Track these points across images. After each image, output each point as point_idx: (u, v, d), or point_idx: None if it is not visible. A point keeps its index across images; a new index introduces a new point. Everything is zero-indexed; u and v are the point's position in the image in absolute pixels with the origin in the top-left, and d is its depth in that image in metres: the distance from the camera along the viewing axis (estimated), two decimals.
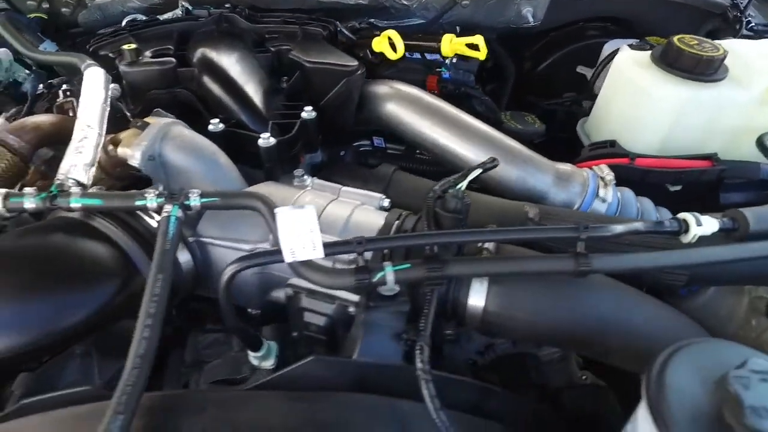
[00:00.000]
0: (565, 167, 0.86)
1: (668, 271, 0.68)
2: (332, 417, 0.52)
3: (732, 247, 0.63)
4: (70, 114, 0.92)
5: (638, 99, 0.92)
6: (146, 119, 0.75)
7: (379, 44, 0.95)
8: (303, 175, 0.80)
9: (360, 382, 0.57)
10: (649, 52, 0.94)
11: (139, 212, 0.67)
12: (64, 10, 1.09)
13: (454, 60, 1.13)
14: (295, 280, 0.64)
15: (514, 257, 0.64)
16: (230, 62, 0.88)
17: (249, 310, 0.80)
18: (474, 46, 0.95)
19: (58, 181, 0.65)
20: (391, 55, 0.95)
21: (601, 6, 1.34)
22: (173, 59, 0.87)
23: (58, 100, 0.92)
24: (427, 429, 0.52)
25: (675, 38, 0.89)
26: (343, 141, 1.04)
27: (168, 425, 0.48)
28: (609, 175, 0.85)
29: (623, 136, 0.95)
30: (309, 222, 0.55)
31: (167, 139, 0.73)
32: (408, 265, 0.57)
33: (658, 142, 0.92)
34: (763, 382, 0.41)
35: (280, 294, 0.72)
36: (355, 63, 0.89)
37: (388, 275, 0.56)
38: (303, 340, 0.67)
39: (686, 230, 0.64)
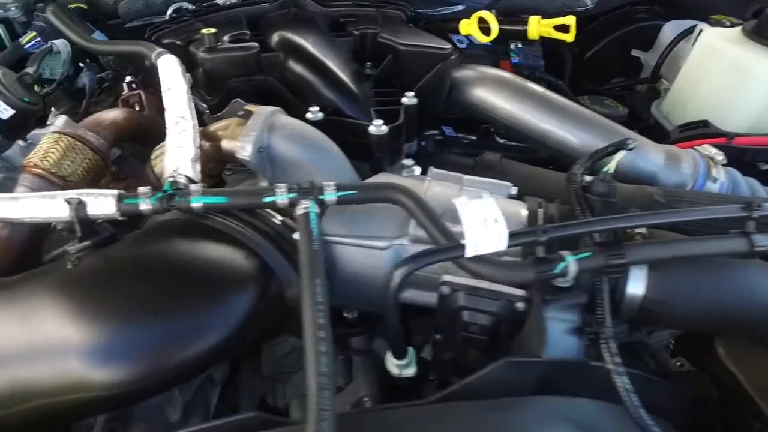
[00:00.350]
0: (673, 148, 0.83)
1: None
2: (532, 424, 0.47)
3: None
4: (137, 108, 0.83)
5: (733, 76, 0.90)
6: (247, 107, 0.67)
7: (468, 27, 0.90)
8: (413, 165, 0.74)
9: (544, 382, 0.52)
10: (739, 27, 0.92)
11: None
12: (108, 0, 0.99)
13: (520, 45, 1.09)
14: (450, 277, 0.58)
15: (685, 240, 0.60)
16: (316, 46, 0.81)
17: (345, 314, 0.74)
18: (563, 28, 0.91)
19: (170, 179, 0.57)
20: (481, 38, 0.90)
21: None
22: (256, 44, 0.79)
23: (123, 93, 0.83)
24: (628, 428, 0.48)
25: None
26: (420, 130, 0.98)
27: None
28: (719, 155, 0.82)
29: (715, 114, 0.93)
30: (493, 212, 0.49)
31: (275, 128, 0.66)
32: (589, 254, 0.52)
33: (753, 120, 0.90)
34: None
35: (411, 294, 0.66)
36: (449, 46, 0.84)
37: (571, 265, 0.51)
38: (448, 342, 0.61)
39: None
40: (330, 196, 0.56)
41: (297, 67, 0.80)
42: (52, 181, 0.66)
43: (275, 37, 0.85)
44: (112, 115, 0.75)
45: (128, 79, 0.85)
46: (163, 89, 0.72)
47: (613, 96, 1.27)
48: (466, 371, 0.64)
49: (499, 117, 0.88)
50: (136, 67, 0.97)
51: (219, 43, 0.79)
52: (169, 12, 1.04)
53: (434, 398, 0.50)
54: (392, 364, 0.62)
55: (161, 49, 0.78)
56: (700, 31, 1.03)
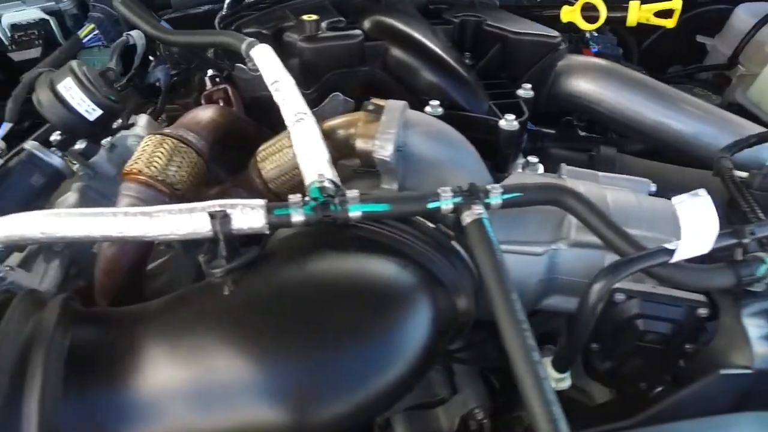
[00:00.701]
0: None
1: None
2: None
3: None
4: (221, 104, 0.76)
5: None
6: (375, 101, 0.61)
7: (571, 14, 0.84)
8: (537, 162, 0.69)
9: (743, 395, 0.48)
10: None
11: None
12: None
13: (595, 33, 1.04)
14: (622, 284, 0.53)
15: None
16: (422, 32, 0.74)
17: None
18: (666, 13, 0.86)
19: (316, 185, 0.51)
20: (585, 26, 0.85)
21: None
22: (360, 32, 0.72)
23: (206, 89, 0.75)
24: None
25: None
26: None
27: None
28: None
29: None
30: (709, 212, 0.44)
31: (411, 125, 0.59)
32: None
33: None
34: None
35: (555, 300, 0.61)
36: (558, 34, 0.78)
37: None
38: (607, 351, 0.57)
39: None
40: (495, 199, 0.51)
41: (402, 56, 0.74)
42: (160, 189, 0.58)
43: (367, 24, 0.78)
44: (210, 113, 0.68)
45: (210, 72, 0.77)
46: (268, 83, 0.65)
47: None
48: (623, 382, 0.60)
49: (603, 108, 0.83)
50: (202, 60, 0.89)
51: (319, 32, 0.72)
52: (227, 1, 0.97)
53: (639, 419, 0.45)
54: (555, 377, 0.57)
55: (252, 39, 0.71)
56: None
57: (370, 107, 0.60)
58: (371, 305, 0.45)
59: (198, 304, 0.45)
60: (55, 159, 0.63)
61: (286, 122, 0.60)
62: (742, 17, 1.15)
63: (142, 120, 0.71)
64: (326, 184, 0.51)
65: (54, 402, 0.37)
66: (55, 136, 0.66)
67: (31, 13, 0.89)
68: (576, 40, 1.06)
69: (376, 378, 0.43)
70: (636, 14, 0.87)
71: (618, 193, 0.62)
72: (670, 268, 0.47)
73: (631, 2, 0.87)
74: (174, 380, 0.40)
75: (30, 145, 0.62)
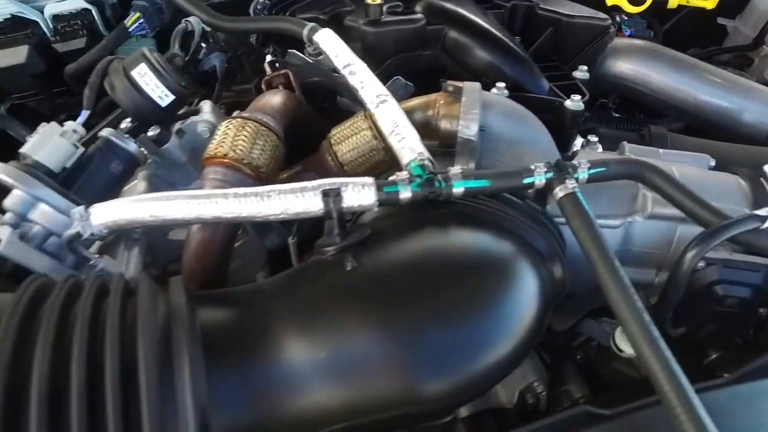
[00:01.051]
0: None
1: None
2: None
3: None
4: (284, 89, 0.76)
5: None
6: (452, 82, 0.62)
7: None
8: (597, 141, 0.71)
9: None
10: None
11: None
12: None
13: (624, 17, 1.07)
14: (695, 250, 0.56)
15: None
16: (478, 15, 0.76)
17: None
18: None
19: (417, 162, 0.52)
20: (629, 8, 0.87)
21: None
22: (422, 16, 0.73)
23: (266, 74, 0.75)
24: None
25: None
26: None
27: None
28: None
29: None
30: None
31: (490, 105, 0.61)
32: None
33: None
34: None
35: (628, 273, 0.63)
36: (608, 17, 0.80)
37: None
38: (683, 317, 0.60)
39: None
40: (583, 174, 0.53)
41: (460, 38, 0.75)
42: (247, 173, 0.59)
43: (418, 8, 0.79)
44: (280, 98, 0.68)
45: (269, 58, 0.77)
46: (340, 66, 0.65)
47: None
48: (694, 348, 0.64)
49: (648, 89, 0.86)
50: (247, 47, 0.89)
51: (381, 13, 0.73)
52: None
53: (737, 375, 0.48)
54: (625, 344, 0.60)
55: (314, 24, 0.71)
56: None
57: (450, 88, 0.62)
58: (486, 277, 0.46)
59: (323, 280, 0.46)
60: (131, 145, 0.63)
61: (367, 104, 0.61)
62: None
63: (207, 106, 0.71)
64: (426, 162, 0.53)
65: (202, 382, 0.38)
66: (126, 123, 0.66)
67: (73, 3, 0.87)
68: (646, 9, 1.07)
69: (492, 348, 0.45)
70: None
71: (683, 167, 0.65)
72: (761, 234, 0.50)
73: None
74: (311, 353, 0.41)
75: (107, 132, 0.62)
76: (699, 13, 1.35)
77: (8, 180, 0.53)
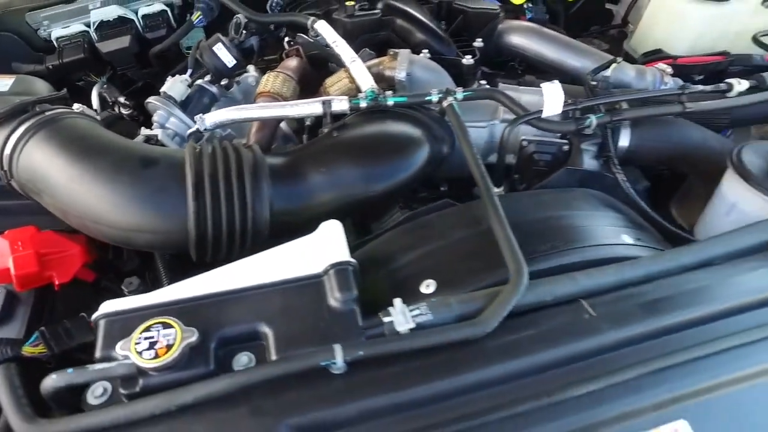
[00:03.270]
0: (640, 66, 1.31)
1: (722, 113, 1.15)
2: (574, 197, 0.94)
3: (760, 95, 1.11)
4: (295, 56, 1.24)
5: (675, 19, 1.38)
6: (393, 50, 1.10)
7: None
8: (486, 84, 1.19)
9: (582, 182, 1.00)
10: None
11: None
12: None
13: (530, 5, 1.54)
14: (525, 136, 1.05)
15: (646, 107, 1.07)
16: (416, 9, 1.24)
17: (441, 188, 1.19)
18: None
19: (371, 89, 1.00)
20: (515, 1, 1.35)
21: None
22: (379, 10, 1.21)
23: (286, 49, 1.23)
24: (619, 204, 0.96)
25: None
26: None
27: None
28: (668, 69, 1.31)
29: (664, 45, 1.41)
30: (559, 90, 0.95)
31: (414, 62, 1.09)
32: (602, 114, 0.99)
33: (688, 47, 1.39)
34: None
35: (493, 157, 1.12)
36: (498, 7, 1.28)
37: (593, 120, 0.98)
38: (525, 177, 1.08)
39: (732, 88, 1.10)
40: (460, 95, 1.00)
41: (403, 23, 1.23)
42: (276, 98, 1.07)
43: (379, 5, 1.27)
44: (295, 62, 1.16)
45: (286, 39, 1.25)
46: (330, 42, 1.13)
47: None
48: None
49: (529, 54, 1.33)
50: (269, 32, 1.37)
51: (354, 11, 1.21)
52: None
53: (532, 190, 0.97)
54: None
55: (313, 17, 1.19)
56: None
57: (392, 53, 1.10)
58: (400, 141, 0.95)
59: (323, 141, 0.94)
60: (213, 89, 1.11)
61: (345, 62, 1.09)
62: None
63: (251, 69, 1.20)
64: (374, 89, 1.01)
65: (269, 185, 0.86)
66: (208, 77, 1.14)
67: (156, 6, 1.35)
68: (515, 9, 1.55)
69: (401, 173, 0.94)
70: None
71: (522, 94, 1.12)
72: (543, 121, 0.98)
73: None
74: (316, 175, 0.90)
75: (201, 81, 1.10)
76: (593, 1, 1.83)
77: (157, 103, 1.01)
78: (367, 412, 0.59)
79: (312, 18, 1.17)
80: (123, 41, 1.31)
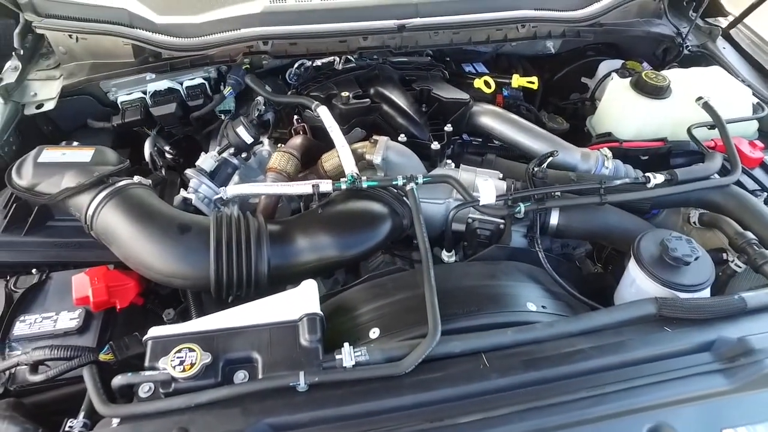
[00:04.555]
0: (586, 150, 1.56)
1: (640, 202, 1.40)
2: (499, 269, 1.22)
3: (672, 188, 1.35)
4: (302, 134, 1.57)
5: (623, 109, 1.62)
6: (375, 137, 1.41)
7: (479, 83, 1.62)
8: (451, 163, 1.48)
9: (510, 257, 1.29)
10: (629, 79, 1.64)
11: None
12: (264, 62, 1.70)
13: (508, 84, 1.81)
14: (472, 215, 1.33)
15: (573, 197, 1.34)
16: (398, 96, 1.54)
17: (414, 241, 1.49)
18: (531, 82, 1.63)
19: (351, 174, 1.30)
20: (486, 90, 1.63)
21: (595, 38, 2.01)
22: (368, 100, 1.52)
23: (294, 125, 1.56)
24: (539, 274, 1.23)
25: (643, 73, 1.59)
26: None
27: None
28: (609, 153, 1.56)
29: (614, 129, 1.66)
30: (492, 186, 1.24)
31: (390, 148, 1.39)
32: (530, 203, 1.27)
33: (635, 133, 1.63)
34: (678, 239, 1.14)
35: (455, 226, 1.41)
36: (468, 96, 1.56)
37: (522, 208, 1.26)
38: (471, 246, 1.37)
39: (650, 181, 1.36)
40: (420, 180, 1.30)
41: (388, 110, 1.53)
42: (283, 175, 1.39)
43: (372, 90, 1.58)
44: (299, 140, 1.49)
45: (295, 117, 1.58)
46: (327, 127, 1.44)
47: (568, 109, 1.98)
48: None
49: (494, 134, 1.61)
50: (285, 107, 1.69)
51: (349, 100, 1.52)
52: (295, 65, 1.75)
53: (467, 261, 1.26)
54: (445, 255, 1.37)
55: (317, 102, 1.50)
56: (612, 77, 1.74)
57: (372, 140, 1.40)
58: (369, 218, 1.26)
59: (310, 217, 1.26)
60: (235, 161, 1.45)
61: (336, 146, 1.40)
62: (602, 69, 1.90)
63: (266, 142, 1.53)
64: (354, 174, 1.32)
65: (268, 248, 1.19)
66: (231, 151, 1.48)
67: (197, 80, 1.69)
68: (496, 86, 1.82)
69: (368, 243, 1.24)
70: (517, 81, 1.64)
71: (480, 176, 1.40)
72: (485, 207, 1.26)
73: (513, 76, 1.64)
74: (304, 241, 1.22)
75: (225, 155, 1.44)
76: (572, 73, 2.06)
77: (192, 175, 1.36)
78: (320, 419, 0.90)
79: (316, 103, 1.49)
80: (170, 107, 1.66)
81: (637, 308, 1.07)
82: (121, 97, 1.69)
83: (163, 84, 1.68)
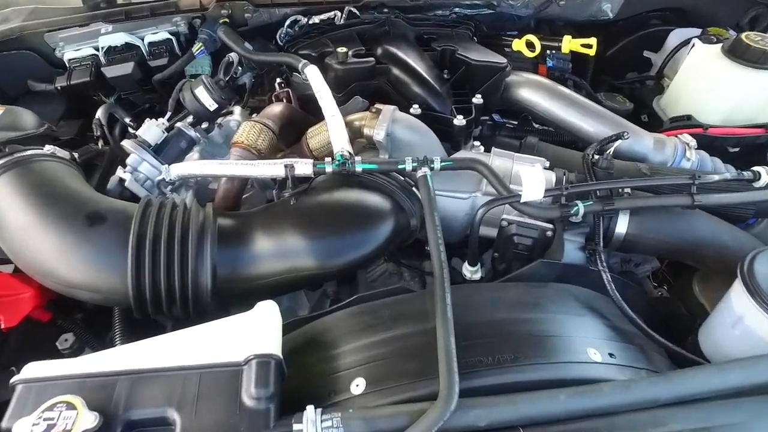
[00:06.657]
0: (660, 136, 1.17)
1: (743, 207, 1.00)
2: (546, 295, 0.84)
3: None
4: (285, 102, 1.21)
5: (712, 83, 1.22)
6: (377, 106, 1.04)
7: (518, 45, 1.24)
8: (479, 146, 1.11)
9: (561, 277, 0.90)
10: (719, 45, 1.24)
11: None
12: (247, 15, 1.35)
13: (553, 52, 1.42)
14: (507, 215, 0.96)
15: (650, 196, 0.95)
16: (413, 58, 1.16)
17: (426, 248, 1.12)
18: (588, 46, 1.24)
19: (340, 153, 0.94)
20: (528, 54, 1.24)
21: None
22: (372, 59, 1.15)
23: (276, 91, 1.20)
24: (602, 304, 0.85)
25: (743, 35, 1.19)
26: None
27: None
28: (692, 142, 1.16)
29: (697, 111, 1.26)
30: (540, 175, 0.86)
31: (397, 120, 1.02)
32: (591, 202, 0.89)
33: (724, 116, 1.23)
34: None
35: (483, 230, 1.03)
36: (505, 60, 1.18)
37: (581, 208, 0.88)
38: (504, 259, 1.00)
39: (759, 178, 0.96)
40: (436, 165, 0.93)
41: (399, 74, 1.16)
42: (253, 153, 1.04)
43: (379, 50, 1.21)
44: (279, 108, 1.12)
45: (278, 80, 1.22)
46: (315, 91, 1.08)
47: (624, 90, 1.58)
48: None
49: (537, 111, 1.23)
50: (269, 69, 1.34)
51: (348, 59, 1.15)
52: (287, 22, 1.40)
53: (498, 281, 0.88)
54: (467, 270, 1.00)
55: (305, 61, 1.14)
56: (693, 44, 1.34)
57: (374, 109, 1.04)
58: (363, 214, 0.89)
59: (278, 208, 0.90)
60: (192, 132, 1.10)
61: (325, 116, 1.04)
62: (673, 40, 1.49)
63: (237, 110, 1.17)
64: (345, 153, 0.95)
65: (215, 250, 0.83)
66: (189, 120, 1.12)
67: (162, 35, 1.35)
68: (538, 56, 1.43)
69: (359, 250, 0.88)
70: (567, 45, 1.25)
71: (521, 164, 1.03)
72: (527, 205, 0.88)
73: (564, 37, 1.25)
74: (267, 243, 0.86)
75: (180, 124, 1.09)
76: (631, 46, 1.66)
77: (130, 148, 1.01)
78: None
79: (304, 61, 1.13)
80: (126, 68, 1.32)
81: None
82: (69, 54, 1.35)
83: (119, 38, 1.34)
